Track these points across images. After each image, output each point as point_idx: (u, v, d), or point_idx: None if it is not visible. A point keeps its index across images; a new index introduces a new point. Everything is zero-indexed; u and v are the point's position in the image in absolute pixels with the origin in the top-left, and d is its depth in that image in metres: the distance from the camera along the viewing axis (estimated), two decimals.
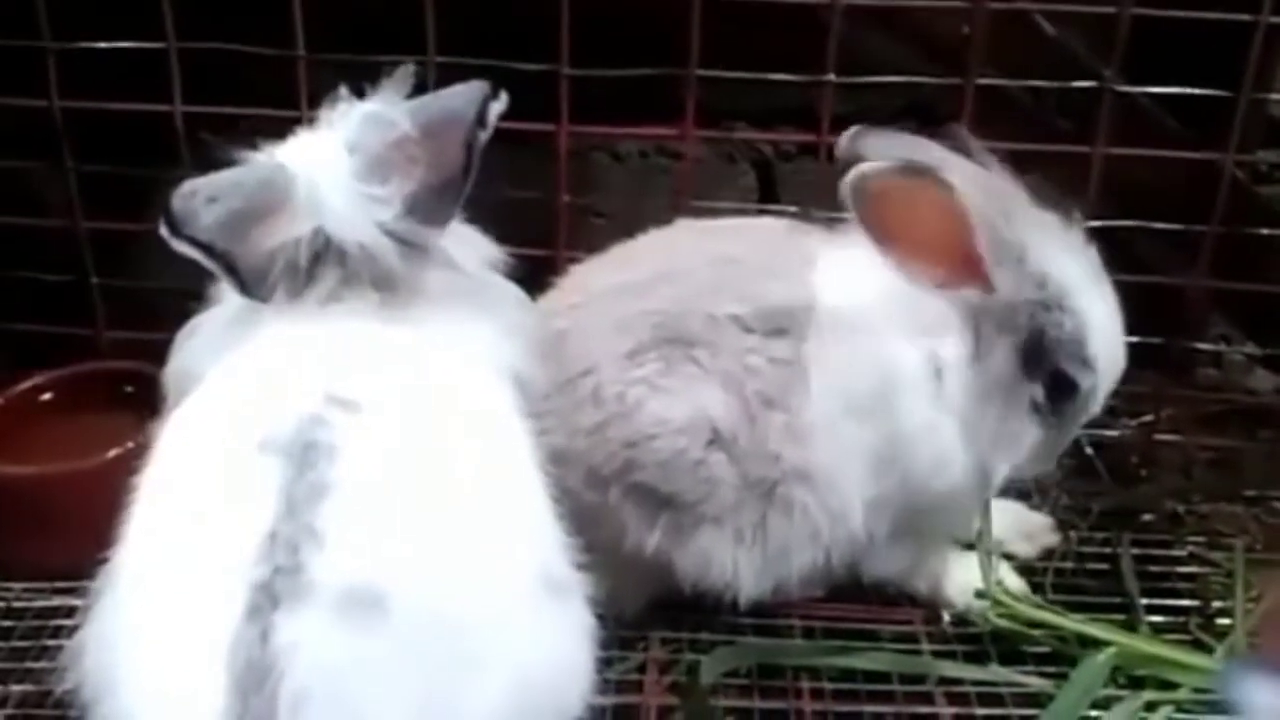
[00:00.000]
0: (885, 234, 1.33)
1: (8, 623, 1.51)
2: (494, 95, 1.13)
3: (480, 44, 1.56)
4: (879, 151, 1.34)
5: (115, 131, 1.72)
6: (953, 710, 1.38)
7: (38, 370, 1.73)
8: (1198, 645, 1.46)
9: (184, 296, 1.22)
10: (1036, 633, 1.45)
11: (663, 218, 1.57)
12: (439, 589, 0.96)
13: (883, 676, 1.41)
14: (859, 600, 1.53)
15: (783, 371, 1.39)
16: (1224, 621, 1.50)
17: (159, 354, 1.22)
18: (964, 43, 1.64)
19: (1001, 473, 1.41)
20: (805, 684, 1.42)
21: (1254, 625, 1.43)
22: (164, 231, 1.08)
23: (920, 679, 1.41)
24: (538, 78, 1.62)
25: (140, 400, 1.57)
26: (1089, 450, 1.79)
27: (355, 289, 1.12)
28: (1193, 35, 1.60)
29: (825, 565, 1.44)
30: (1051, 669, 1.41)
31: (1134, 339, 1.60)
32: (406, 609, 0.93)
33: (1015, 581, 1.53)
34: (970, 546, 1.55)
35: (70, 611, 1.40)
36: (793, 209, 1.64)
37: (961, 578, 1.51)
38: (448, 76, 1.28)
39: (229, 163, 1.14)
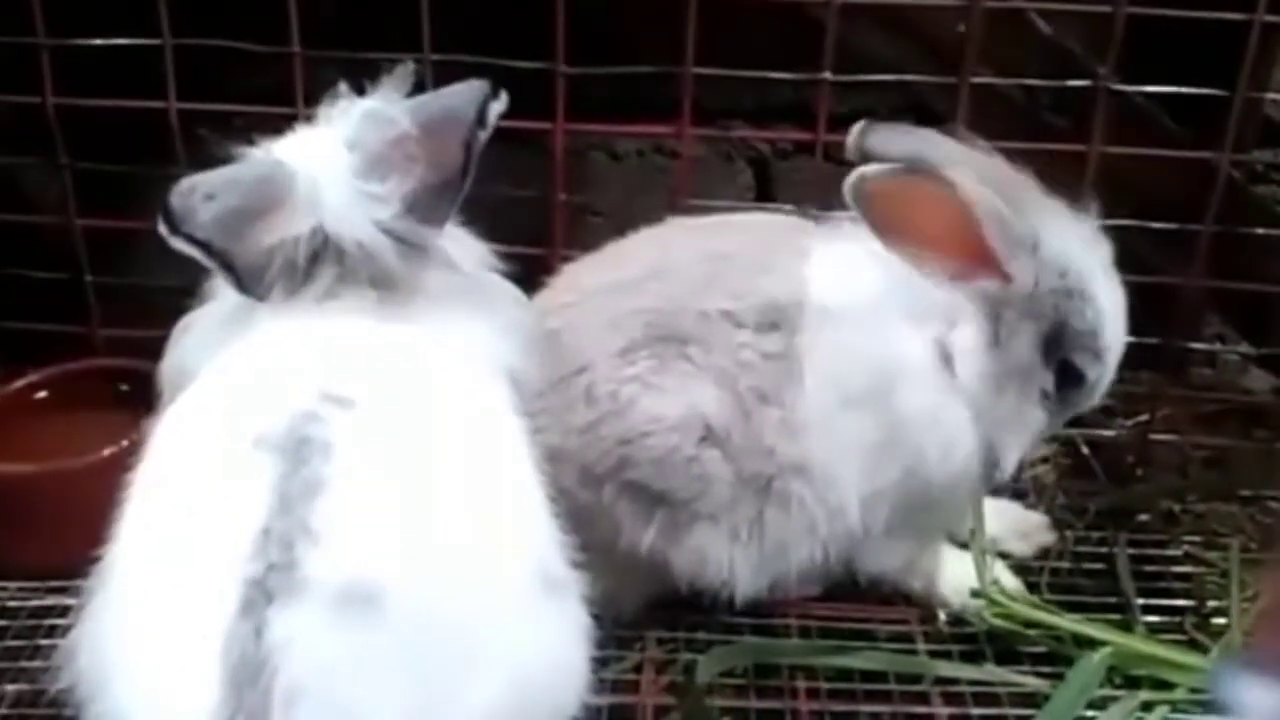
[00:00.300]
0: (892, 232, 1.34)
1: (2, 622, 1.51)
2: (494, 95, 1.13)
3: (476, 42, 1.56)
4: (886, 146, 1.34)
5: (110, 128, 1.72)
6: (949, 710, 1.38)
7: (32, 368, 1.73)
8: (1193, 645, 1.46)
9: (179, 293, 1.22)
10: (1032, 632, 1.45)
11: (660, 216, 1.57)
12: (434, 586, 0.95)
13: (879, 676, 1.42)
14: (855, 600, 1.53)
15: (776, 366, 1.39)
16: (1219, 621, 1.50)
17: (154, 351, 1.22)
18: (960, 41, 1.64)
19: (1012, 460, 1.41)
20: (801, 683, 1.41)
21: (1249, 625, 1.43)
22: (162, 229, 1.08)
23: (916, 679, 1.41)
24: (534, 76, 1.61)
25: (135, 398, 1.57)
26: (1085, 450, 1.79)
27: (353, 287, 1.12)
28: (1188, 34, 1.60)
29: (822, 561, 1.44)
30: (1047, 669, 1.41)
31: (1130, 339, 1.60)
32: (401, 606, 0.92)
33: (1011, 581, 1.53)
34: (966, 545, 1.55)
35: (64, 610, 1.40)
36: (789, 207, 1.64)
37: (957, 577, 1.51)
38: (444, 74, 1.28)
39: (225, 159, 1.14)
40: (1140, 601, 1.53)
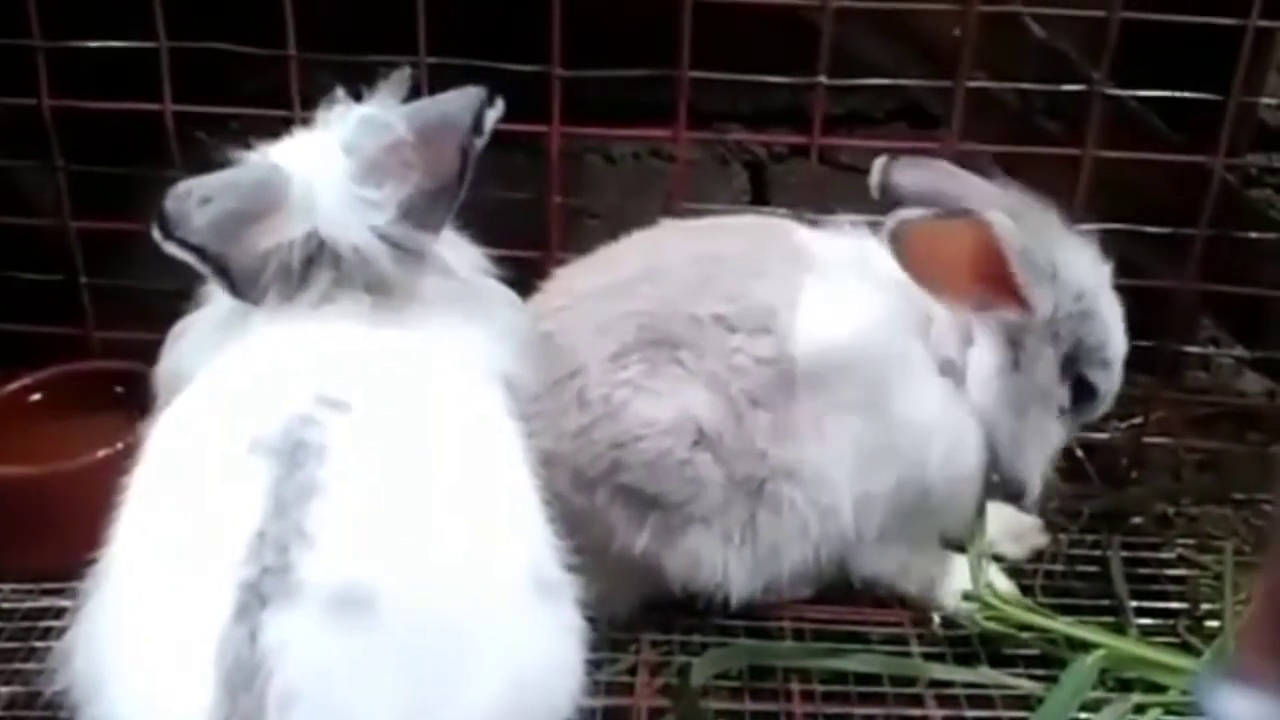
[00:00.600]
0: (924, 272, 1.35)
1: None
2: (490, 102, 1.13)
3: (472, 45, 1.56)
4: (910, 181, 1.37)
5: (105, 131, 1.72)
6: (943, 712, 1.38)
7: (27, 370, 1.73)
8: (1186, 648, 1.46)
9: (174, 296, 1.22)
10: (1025, 635, 1.45)
11: (655, 219, 1.57)
12: (428, 589, 0.95)
13: (873, 678, 1.42)
14: (849, 602, 1.53)
15: (768, 370, 1.39)
16: (1212, 624, 1.50)
17: (149, 354, 1.22)
18: (954, 45, 1.64)
19: (1035, 478, 1.44)
20: (796, 686, 1.42)
21: (1237, 632, 1.43)
22: (156, 234, 1.08)
23: (911, 681, 1.42)
24: (530, 79, 1.62)
25: (130, 400, 1.57)
26: (1079, 453, 1.79)
27: (348, 292, 1.12)
28: (1182, 38, 1.60)
29: (815, 563, 1.45)
30: (1041, 671, 1.41)
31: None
32: (395, 609, 0.93)
33: (1005, 583, 1.54)
34: (960, 548, 1.55)
35: (59, 612, 1.40)
36: (784, 210, 1.64)
37: (951, 580, 1.51)
38: (439, 77, 1.28)
39: (221, 163, 1.14)
40: (1133, 604, 1.53)
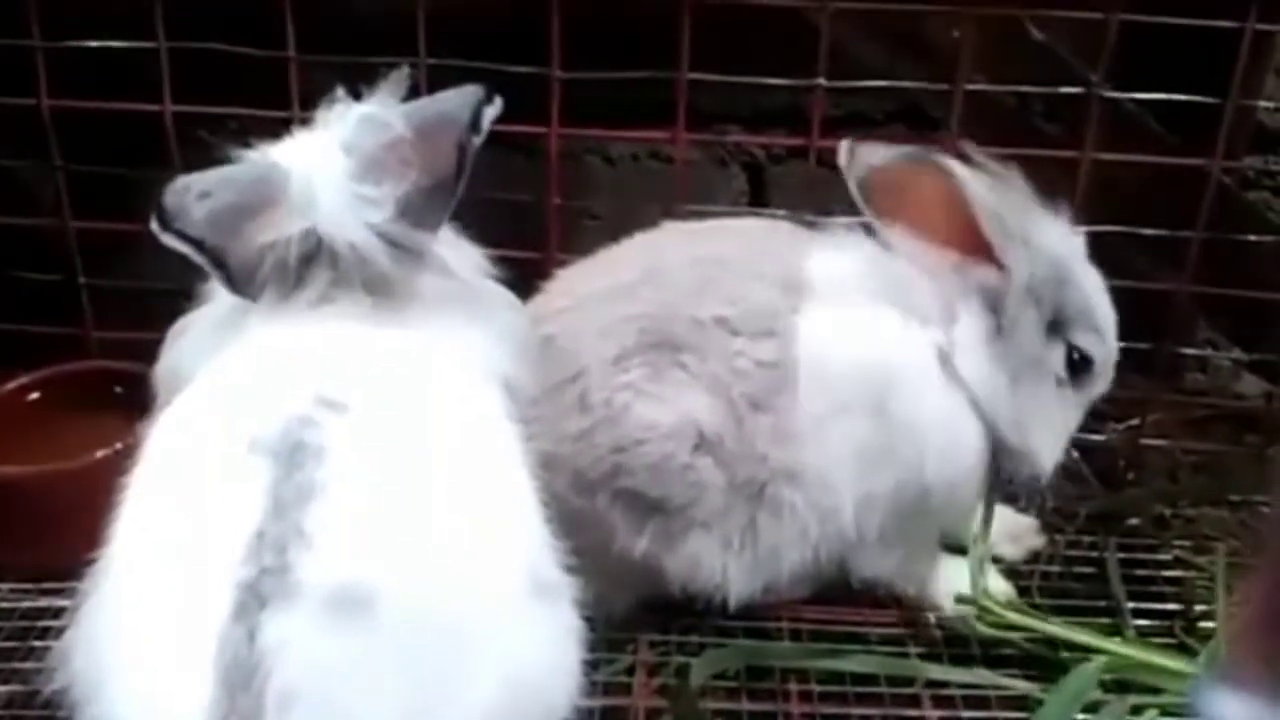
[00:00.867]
0: (894, 221, 1.39)
1: None
2: (488, 100, 1.13)
3: (471, 46, 1.56)
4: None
5: (104, 131, 1.72)
6: (939, 713, 1.38)
7: (25, 370, 1.73)
8: (1182, 649, 1.46)
9: (173, 296, 1.22)
10: (1021, 637, 1.45)
11: (655, 220, 1.57)
12: (427, 590, 0.96)
13: (870, 679, 1.42)
14: (847, 603, 1.53)
15: (770, 373, 1.39)
16: (1208, 625, 1.50)
17: (148, 354, 1.22)
18: (953, 47, 1.64)
19: (1045, 458, 1.44)
20: (793, 686, 1.42)
21: (1230, 636, 1.43)
22: (154, 226, 1.08)
23: (908, 682, 1.42)
24: (529, 80, 1.62)
25: (129, 400, 1.57)
26: (1076, 454, 1.79)
27: (347, 291, 1.12)
28: (1180, 41, 1.61)
29: (814, 564, 1.45)
30: (1038, 672, 1.42)
31: (1121, 344, 1.61)
32: (394, 609, 0.93)
33: (1002, 585, 1.54)
34: (959, 550, 1.56)
35: (58, 612, 1.40)
36: (783, 212, 1.65)
37: (950, 581, 1.51)
38: (439, 78, 1.28)
39: (221, 162, 1.14)
40: (1130, 605, 1.53)
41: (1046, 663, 1.42)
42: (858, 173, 1.39)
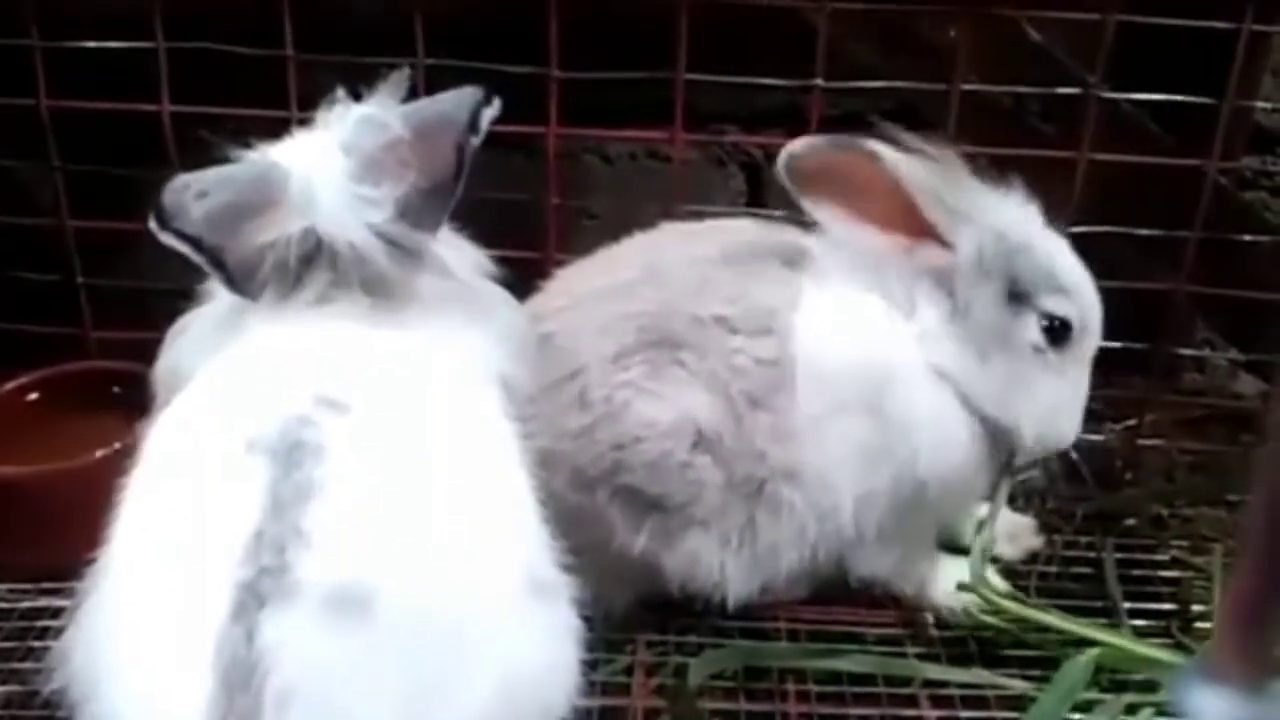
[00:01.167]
0: (832, 210, 1.40)
1: None
2: (487, 101, 1.14)
3: (470, 46, 1.56)
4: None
5: (103, 131, 1.72)
6: (937, 713, 1.39)
7: (24, 370, 1.73)
8: (1179, 648, 1.46)
9: (172, 296, 1.22)
10: (1020, 630, 1.46)
11: (653, 220, 1.58)
12: (425, 589, 0.96)
13: (868, 679, 1.42)
14: (845, 603, 1.53)
15: (769, 371, 1.39)
16: (1204, 625, 1.51)
17: (147, 354, 1.22)
18: (950, 48, 1.64)
19: (1029, 431, 1.42)
20: (791, 686, 1.42)
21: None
22: (152, 224, 1.09)
23: (905, 681, 1.42)
24: (527, 80, 1.62)
25: (128, 400, 1.58)
26: (1074, 454, 1.79)
27: (346, 292, 1.12)
28: (1177, 41, 1.61)
29: (812, 563, 1.45)
30: (1035, 672, 1.42)
31: (1118, 344, 1.61)
32: (392, 609, 0.93)
33: (1000, 583, 1.54)
34: (957, 550, 1.56)
35: (57, 612, 1.39)
36: (781, 212, 1.65)
37: (946, 580, 1.52)
38: (437, 78, 1.28)
39: (221, 162, 1.14)
40: (1127, 605, 1.54)
41: (1044, 661, 1.42)
42: (788, 165, 1.40)
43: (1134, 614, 1.53)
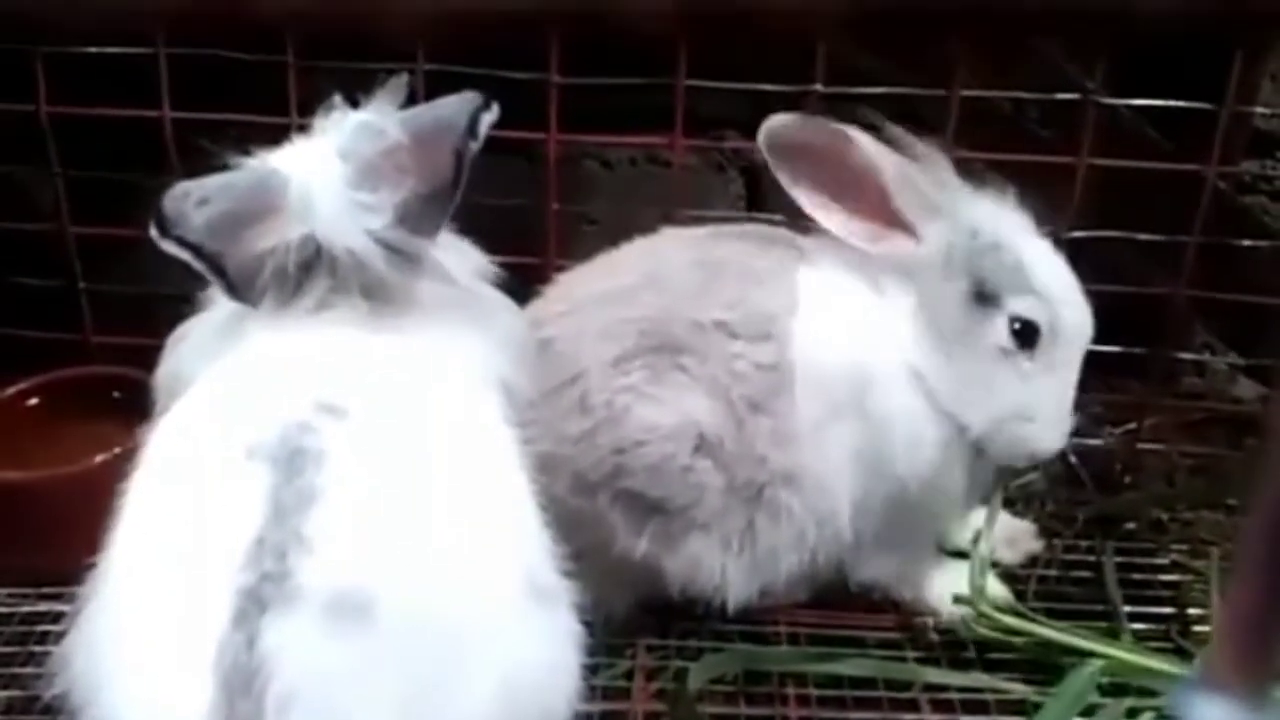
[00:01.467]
0: (807, 189, 1.42)
1: None
2: (485, 106, 1.14)
3: (470, 52, 1.56)
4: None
5: (103, 137, 1.72)
6: (937, 717, 1.39)
7: (25, 375, 1.73)
8: (1178, 652, 1.47)
9: (173, 302, 1.23)
10: (1018, 640, 1.46)
11: (653, 225, 1.58)
12: (426, 595, 0.96)
13: (868, 683, 1.42)
14: (845, 607, 1.54)
15: (768, 376, 1.40)
16: (1204, 629, 1.51)
17: (147, 359, 1.22)
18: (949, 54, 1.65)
19: (991, 433, 1.41)
20: (791, 690, 1.42)
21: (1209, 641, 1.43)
22: (153, 232, 1.09)
23: (906, 685, 1.42)
24: (528, 86, 1.62)
25: (128, 405, 1.58)
26: (1073, 458, 1.80)
27: (345, 298, 1.12)
28: (1176, 46, 1.61)
29: (812, 567, 1.45)
30: (1036, 676, 1.42)
31: (1118, 348, 1.62)
32: (393, 614, 0.93)
33: (999, 588, 1.54)
34: (957, 554, 1.56)
35: (57, 617, 1.40)
36: (780, 217, 1.65)
37: (946, 584, 1.52)
38: (437, 85, 1.29)
39: (221, 168, 1.15)
40: (1127, 609, 1.54)
41: (1044, 666, 1.43)
42: (768, 139, 1.42)
43: (1133, 618, 1.53)
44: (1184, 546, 1.69)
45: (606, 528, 1.40)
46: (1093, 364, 1.48)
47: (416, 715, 0.94)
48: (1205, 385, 2.16)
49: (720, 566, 1.43)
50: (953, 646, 1.49)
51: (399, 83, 1.16)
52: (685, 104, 1.66)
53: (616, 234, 1.56)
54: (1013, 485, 1.60)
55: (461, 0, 1.63)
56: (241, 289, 1.11)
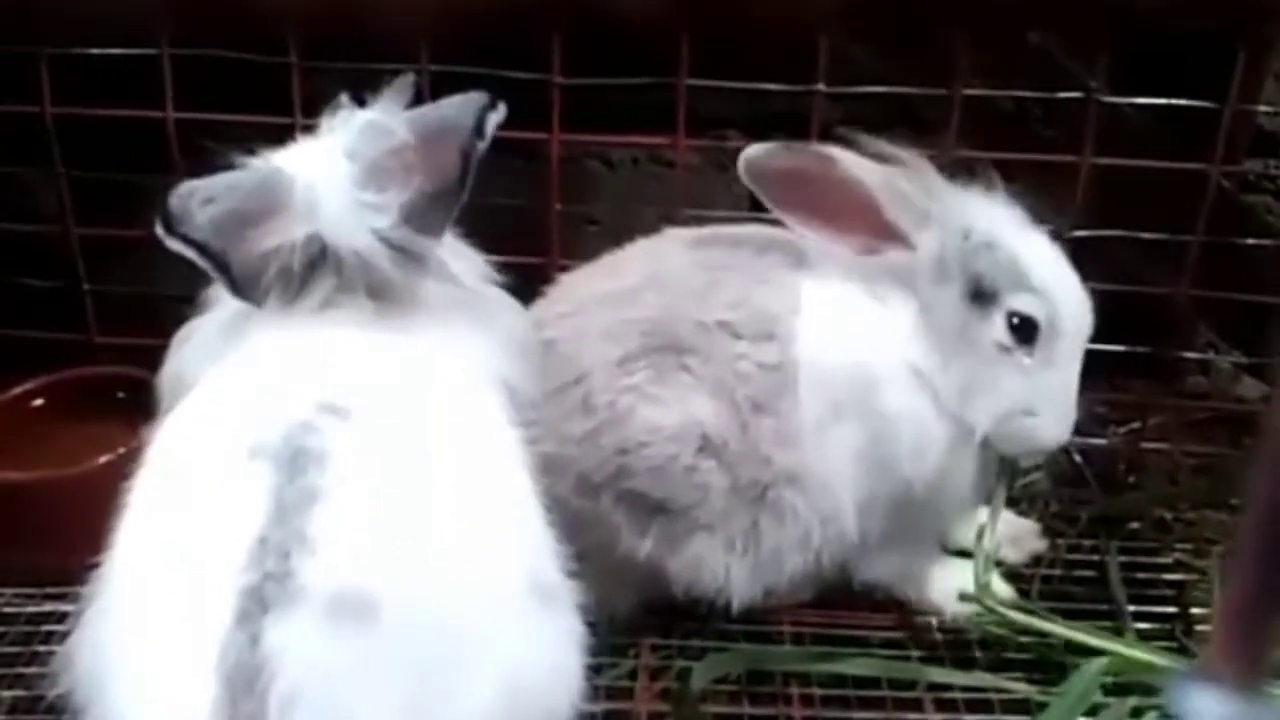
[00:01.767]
0: (795, 212, 1.41)
1: None
2: (492, 106, 1.14)
3: (474, 53, 1.56)
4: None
5: (107, 137, 1.73)
6: (941, 716, 1.39)
7: (29, 375, 1.73)
8: (1182, 651, 1.46)
9: (177, 302, 1.23)
10: (1024, 638, 1.46)
11: (655, 225, 1.58)
12: (428, 594, 0.96)
13: (872, 682, 1.42)
14: (848, 607, 1.54)
15: (772, 376, 1.40)
16: (1207, 627, 1.50)
17: (152, 359, 1.23)
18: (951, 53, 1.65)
19: (995, 431, 1.41)
20: (795, 690, 1.42)
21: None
22: (159, 230, 1.09)
23: (909, 685, 1.42)
24: (530, 86, 1.62)
25: (132, 406, 1.58)
26: (1077, 458, 1.80)
27: (350, 297, 1.12)
28: (1179, 45, 1.61)
29: (816, 567, 1.46)
30: (1039, 675, 1.42)
31: (1122, 347, 1.61)
32: (396, 614, 0.93)
33: (1003, 588, 1.54)
34: (960, 553, 1.56)
35: (62, 617, 1.40)
36: None
37: (950, 583, 1.52)
38: (441, 85, 1.29)
39: (226, 168, 1.15)
40: (1131, 608, 1.54)
41: (1048, 665, 1.43)
42: (747, 170, 1.41)
43: (1137, 617, 1.53)
44: (1188, 546, 1.69)
45: (610, 528, 1.40)
46: (1096, 363, 1.48)
47: (419, 715, 0.94)
48: (1209, 384, 2.16)
49: (724, 567, 1.43)
50: (956, 646, 1.49)
51: (405, 82, 1.16)
52: (688, 104, 1.66)
53: (619, 234, 1.56)
54: (1016, 485, 1.59)
55: None
56: (246, 288, 1.11)
